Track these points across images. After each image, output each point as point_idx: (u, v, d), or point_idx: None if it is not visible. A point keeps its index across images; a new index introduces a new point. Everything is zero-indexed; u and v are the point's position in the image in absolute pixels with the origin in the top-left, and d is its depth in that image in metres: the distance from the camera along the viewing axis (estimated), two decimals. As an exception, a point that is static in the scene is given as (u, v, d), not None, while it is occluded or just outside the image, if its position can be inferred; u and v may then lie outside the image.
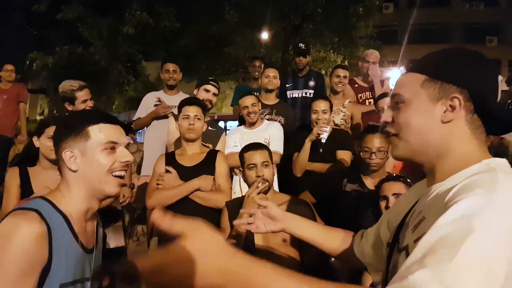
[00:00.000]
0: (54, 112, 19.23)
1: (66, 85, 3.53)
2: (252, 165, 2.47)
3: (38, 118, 19.02)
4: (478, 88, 0.95)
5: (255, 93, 4.21)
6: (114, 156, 1.34)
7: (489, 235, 0.72)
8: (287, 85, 4.66)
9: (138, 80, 13.95)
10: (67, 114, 1.31)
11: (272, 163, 2.53)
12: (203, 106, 3.03)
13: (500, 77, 1.00)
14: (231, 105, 5.19)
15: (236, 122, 4.72)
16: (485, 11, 25.81)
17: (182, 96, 4.29)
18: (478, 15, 25.65)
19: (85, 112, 1.63)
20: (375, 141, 2.77)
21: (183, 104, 2.95)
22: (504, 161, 0.93)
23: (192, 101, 3.00)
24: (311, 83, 4.67)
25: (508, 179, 0.82)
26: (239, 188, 3.41)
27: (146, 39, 13.19)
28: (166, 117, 4.08)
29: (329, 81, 4.56)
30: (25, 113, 6.21)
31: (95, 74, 13.13)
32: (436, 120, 0.97)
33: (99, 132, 1.33)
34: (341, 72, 4.23)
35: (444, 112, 0.96)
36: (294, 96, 4.65)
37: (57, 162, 2.54)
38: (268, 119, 3.88)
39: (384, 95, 3.69)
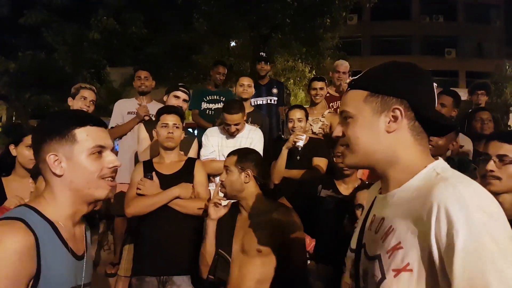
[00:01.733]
0: (13, 119, 18.59)
1: (78, 85, 3.65)
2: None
3: (-4, 124, 18.31)
4: (416, 97, 1.04)
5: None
6: (101, 162, 1.27)
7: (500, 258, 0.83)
8: None
9: (102, 87, 13.69)
10: (50, 114, 1.19)
11: (243, 169, 2.38)
12: (181, 114, 3.06)
13: (435, 85, 1.11)
14: (189, 109, 5.13)
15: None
16: (444, 24, 26.90)
17: (155, 104, 4.33)
18: (437, 28, 26.72)
19: (70, 113, 1.50)
20: None
21: (161, 112, 2.98)
22: (444, 164, 1.05)
23: (170, 109, 3.03)
24: (274, 90, 4.85)
25: (464, 188, 0.91)
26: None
27: (112, 45, 12.97)
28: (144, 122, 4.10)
29: (307, 92, 4.72)
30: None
31: (59, 80, 12.80)
32: (381, 131, 1.05)
33: (87, 135, 1.25)
34: (318, 85, 4.37)
35: (388, 123, 1.05)
36: (258, 103, 4.77)
37: (37, 168, 2.52)
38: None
39: None
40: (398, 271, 0.95)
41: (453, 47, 26.66)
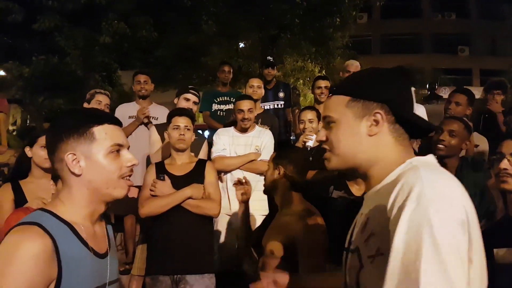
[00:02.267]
0: (27, 122, 18.83)
1: (93, 90, 3.76)
2: None
3: (10, 128, 18.56)
4: (396, 101, 1.10)
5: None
6: (120, 161, 1.26)
7: (440, 241, 0.86)
8: None
9: (114, 90, 13.80)
10: (65, 111, 1.15)
11: (276, 166, 2.37)
12: (192, 116, 3.11)
13: (413, 89, 1.15)
14: (200, 111, 5.18)
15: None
16: (456, 22, 26.58)
17: (155, 106, 4.44)
18: (449, 25, 26.41)
19: (87, 111, 1.46)
20: None
21: (172, 114, 3.01)
22: (422, 158, 1.08)
23: (182, 112, 3.07)
24: (281, 95, 4.86)
25: (428, 170, 0.97)
26: (226, 195, 3.47)
27: (122, 48, 13.08)
28: (145, 123, 4.14)
29: (311, 92, 4.70)
30: (5, 124, 6.13)
31: (71, 84, 12.94)
32: (363, 134, 1.10)
33: (105, 134, 1.24)
34: (322, 83, 4.39)
35: (370, 127, 1.10)
36: (266, 108, 4.78)
37: (51, 170, 2.57)
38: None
39: None
40: (372, 257, 1.00)
41: (466, 44, 26.34)
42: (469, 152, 3.30)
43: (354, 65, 4.81)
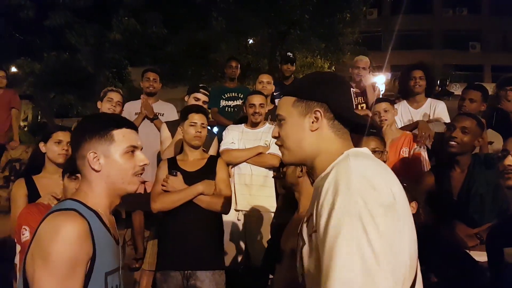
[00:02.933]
0: (38, 118, 19.03)
1: (106, 88, 3.84)
2: None
3: (22, 124, 18.77)
4: (334, 101, 1.24)
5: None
6: (134, 160, 1.44)
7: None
8: (274, 93, 4.75)
9: (124, 86, 13.88)
10: (89, 115, 1.46)
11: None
12: (207, 114, 3.13)
13: (352, 90, 1.33)
14: (208, 108, 5.21)
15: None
16: (468, 18, 26.30)
17: (161, 103, 4.49)
18: (460, 21, 26.14)
19: (109, 116, 1.70)
20: (371, 143, 2.86)
21: (189, 111, 3.01)
22: (358, 149, 1.22)
23: (198, 108, 3.08)
24: None
25: (356, 160, 1.10)
26: (233, 189, 3.48)
27: (132, 45, 13.15)
28: (151, 119, 4.21)
29: None
30: (18, 119, 6.20)
31: (82, 80, 13.05)
32: (307, 130, 1.24)
33: (123, 136, 1.43)
34: None
35: (312, 123, 1.24)
36: None
37: (63, 165, 2.60)
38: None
39: (380, 100, 3.76)
40: (309, 235, 1.15)
41: (477, 40, 26.09)
42: (483, 149, 3.27)
43: (363, 61, 4.75)
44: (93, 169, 1.40)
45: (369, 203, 0.99)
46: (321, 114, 1.23)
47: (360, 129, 1.36)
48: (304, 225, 1.21)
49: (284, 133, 1.29)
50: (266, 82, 4.35)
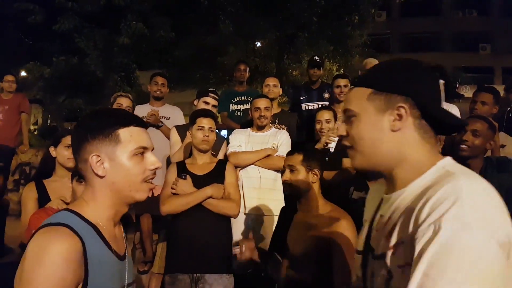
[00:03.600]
0: (48, 122, 19.17)
1: (116, 94, 3.86)
2: (283, 168, 2.43)
3: (32, 127, 18.93)
4: (421, 95, 1.02)
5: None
6: (144, 164, 1.24)
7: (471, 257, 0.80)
8: (301, 98, 4.73)
9: (132, 90, 13.95)
10: (91, 112, 1.15)
11: (309, 168, 2.36)
12: (215, 118, 3.14)
13: (441, 81, 1.06)
14: (218, 112, 5.20)
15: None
16: (477, 19, 26.09)
17: (168, 107, 4.51)
18: (470, 23, 25.94)
19: (114, 112, 1.41)
20: None
21: (197, 115, 3.03)
22: (453, 162, 1.01)
23: (206, 113, 3.10)
24: (326, 95, 4.76)
25: (469, 182, 0.89)
26: (241, 192, 3.47)
27: (141, 49, 13.22)
28: (155, 126, 4.22)
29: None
30: (27, 123, 6.25)
31: (91, 84, 13.12)
32: (386, 130, 1.03)
33: (130, 136, 1.22)
34: (342, 82, 4.33)
35: (393, 122, 1.02)
36: (309, 108, 4.73)
37: (76, 168, 2.59)
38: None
39: None
40: (403, 267, 0.93)
41: (487, 42, 25.83)
42: (495, 153, 3.22)
43: (373, 64, 4.73)
44: (96, 175, 1.21)
45: (486, 239, 0.81)
46: (405, 111, 1.01)
47: (449, 131, 1.14)
48: (389, 253, 0.98)
49: (356, 133, 1.07)
50: (272, 85, 4.34)
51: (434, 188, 0.91)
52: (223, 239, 2.88)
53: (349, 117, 1.10)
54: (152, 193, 3.85)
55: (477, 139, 2.77)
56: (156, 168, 1.28)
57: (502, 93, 5.01)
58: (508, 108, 4.29)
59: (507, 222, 0.86)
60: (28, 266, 1.05)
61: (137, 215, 4.13)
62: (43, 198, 2.56)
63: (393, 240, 0.98)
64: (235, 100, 5.03)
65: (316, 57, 4.85)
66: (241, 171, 3.58)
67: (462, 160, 2.85)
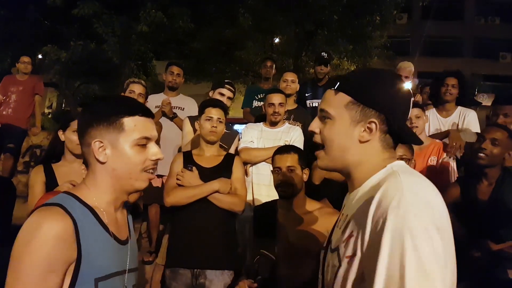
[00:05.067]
0: (63, 106, 19.35)
1: (128, 80, 3.77)
2: (277, 169, 2.45)
3: (46, 111, 19.13)
4: (393, 113, 1.09)
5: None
6: (145, 154, 1.26)
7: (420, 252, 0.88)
8: (306, 94, 4.65)
9: (148, 79, 14.01)
10: (99, 98, 1.16)
11: (303, 167, 2.49)
12: (226, 109, 3.04)
13: (412, 99, 1.16)
14: (242, 108, 5.16)
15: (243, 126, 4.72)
16: (500, 27, 25.62)
17: (182, 98, 4.45)
18: (492, 30, 25.48)
19: (120, 100, 1.41)
20: (398, 150, 2.75)
21: (206, 105, 2.95)
22: (402, 163, 1.11)
23: (215, 103, 3.00)
24: None
25: (409, 178, 1.01)
26: (251, 189, 3.42)
27: (159, 38, 13.24)
28: (170, 117, 4.16)
29: None
30: (41, 106, 6.26)
31: (107, 71, 13.19)
32: (355, 140, 1.11)
33: (134, 126, 1.24)
34: None
35: (362, 132, 1.10)
36: (314, 105, 4.64)
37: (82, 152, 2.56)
38: (286, 124, 3.86)
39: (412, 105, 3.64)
40: (350, 257, 1.02)
41: (508, 51, 25.36)
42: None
43: (407, 69, 4.60)
44: (98, 160, 1.23)
45: (428, 227, 0.90)
46: (376, 126, 1.09)
47: (405, 141, 1.24)
48: (342, 245, 1.07)
49: (328, 135, 1.14)
50: (290, 80, 4.26)
51: (379, 184, 1.02)
52: (226, 235, 2.79)
53: (324, 117, 1.15)
54: (162, 183, 3.82)
55: (495, 148, 2.69)
56: (158, 159, 1.29)
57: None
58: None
59: (441, 207, 0.97)
60: (19, 243, 1.09)
61: (146, 205, 4.10)
62: (51, 182, 2.50)
63: (346, 234, 1.06)
64: (259, 97, 4.96)
65: (323, 53, 4.74)
66: (251, 167, 3.52)
67: (480, 168, 2.77)
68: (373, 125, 1.09)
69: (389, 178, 1.02)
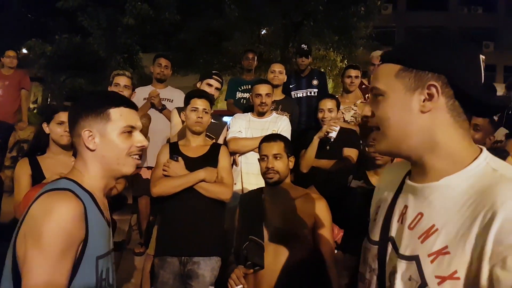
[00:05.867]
0: (48, 100, 19.09)
1: (113, 72, 3.76)
2: (264, 156, 2.49)
3: (31, 106, 18.84)
4: (456, 72, 0.91)
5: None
6: (131, 141, 1.38)
7: None
8: (290, 86, 4.70)
9: (134, 72, 13.88)
10: (87, 93, 1.32)
11: (289, 155, 2.52)
12: (211, 99, 3.07)
13: (482, 57, 0.96)
14: (225, 99, 5.20)
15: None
16: (482, 16, 25.88)
17: (170, 89, 4.47)
18: (475, 19, 25.72)
19: (107, 94, 1.55)
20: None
21: (191, 96, 2.98)
22: (493, 156, 0.93)
23: (200, 94, 3.03)
24: (315, 82, 4.73)
25: None
26: (240, 179, 3.46)
27: (145, 30, 13.11)
28: (160, 109, 4.17)
29: (340, 80, 4.64)
30: (27, 100, 6.21)
31: (93, 64, 13.04)
32: (415, 111, 0.93)
33: (120, 115, 1.36)
34: (353, 73, 4.34)
35: (423, 102, 0.93)
36: (298, 96, 4.70)
37: (68, 147, 2.59)
38: (273, 114, 3.90)
39: None
40: (443, 278, 0.84)
41: (491, 40, 25.64)
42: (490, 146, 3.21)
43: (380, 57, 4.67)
44: (88, 148, 1.34)
45: None
46: (437, 90, 0.91)
47: (485, 113, 1.04)
48: (427, 259, 0.89)
49: (382, 113, 0.98)
50: (278, 71, 4.29)
51: (493, 194, 0.83)
52: (214, 223, 2.82)
53: (375, 95, 1.01)
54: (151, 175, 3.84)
55: (477, 133, 2.76)
56: (142, 147, 1.40)
57: (503, 91, 5.00)
58: (510, 105, 4.27)
59: None
60: (35, 224, 1.16)
61: (135, 197, 4.11)
62: (37, 174, 2.52)
63: (435, 246, 0.89)
64: (242, 88, 4.99)
65: (303, 46, 4.80)
66: (240, 157, 3.56)
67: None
68: (433, 89, 0.91)
69: (505, 186, 0.83)
